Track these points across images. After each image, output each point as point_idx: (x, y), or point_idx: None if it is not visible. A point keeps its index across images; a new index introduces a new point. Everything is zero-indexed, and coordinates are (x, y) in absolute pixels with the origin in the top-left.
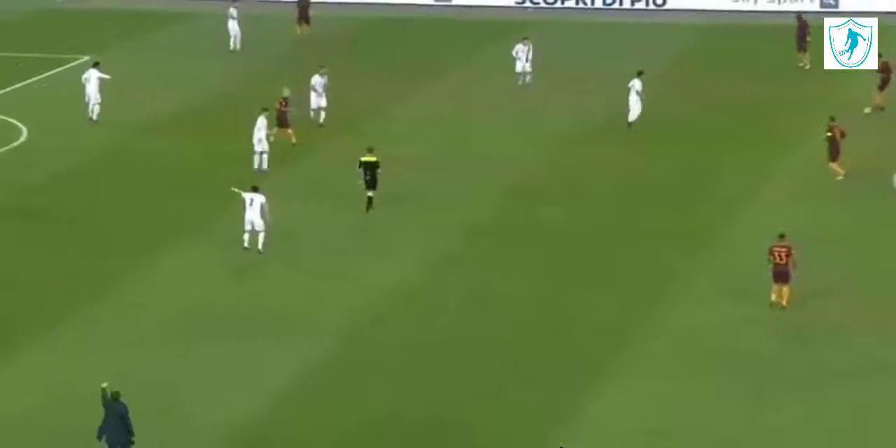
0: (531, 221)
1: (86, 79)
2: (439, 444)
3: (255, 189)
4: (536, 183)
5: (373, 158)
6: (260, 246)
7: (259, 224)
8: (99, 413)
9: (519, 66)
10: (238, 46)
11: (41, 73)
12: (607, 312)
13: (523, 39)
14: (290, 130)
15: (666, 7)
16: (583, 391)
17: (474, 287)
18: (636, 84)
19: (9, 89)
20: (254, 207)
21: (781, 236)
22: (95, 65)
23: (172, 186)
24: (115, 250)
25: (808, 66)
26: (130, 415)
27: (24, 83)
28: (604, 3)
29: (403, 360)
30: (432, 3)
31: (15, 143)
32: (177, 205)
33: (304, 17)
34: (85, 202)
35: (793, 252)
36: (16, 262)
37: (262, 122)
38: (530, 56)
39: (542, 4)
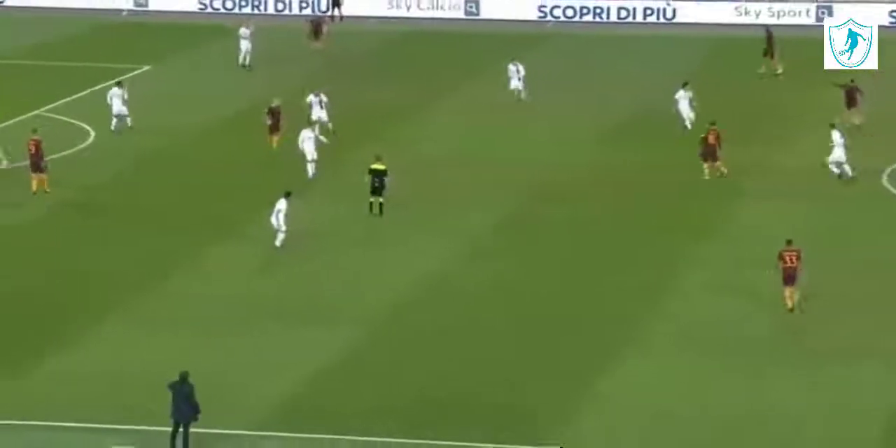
0: (546, 218)
1: (111, 96)
2: (459, 423)
3: (287, 194)
4: (551, 182)
5: (381, 166)
6: (277, 243)
7: (277, 225)
8: (156, 393)
9: (512, 84)
10: (248, 62)
11: (108, 81)
12: (617, 302)
13: (513, 60)
14: (274, 137)
15: (675, 21)
16: (595, 373)
17: (493, 279)
18: (683, 93)
19: (79, 95)
20: (274, 211)
21: (789, 242)
22: (118, 84)
23: (218, 187)
24: (167, 244)
25: (778, 71)
26: (197, 395)
27: (93, 89)
28: (618, 17)
29: (428, 346)
30: (462, 16)
31: (82, 145)
32: (221, 203)
33: (316, 33)
34: (142, 200)
35: (801, 256)
36: (78, 254)
37: (307, 133)
38: (522, 75)
39: (563, 18)
